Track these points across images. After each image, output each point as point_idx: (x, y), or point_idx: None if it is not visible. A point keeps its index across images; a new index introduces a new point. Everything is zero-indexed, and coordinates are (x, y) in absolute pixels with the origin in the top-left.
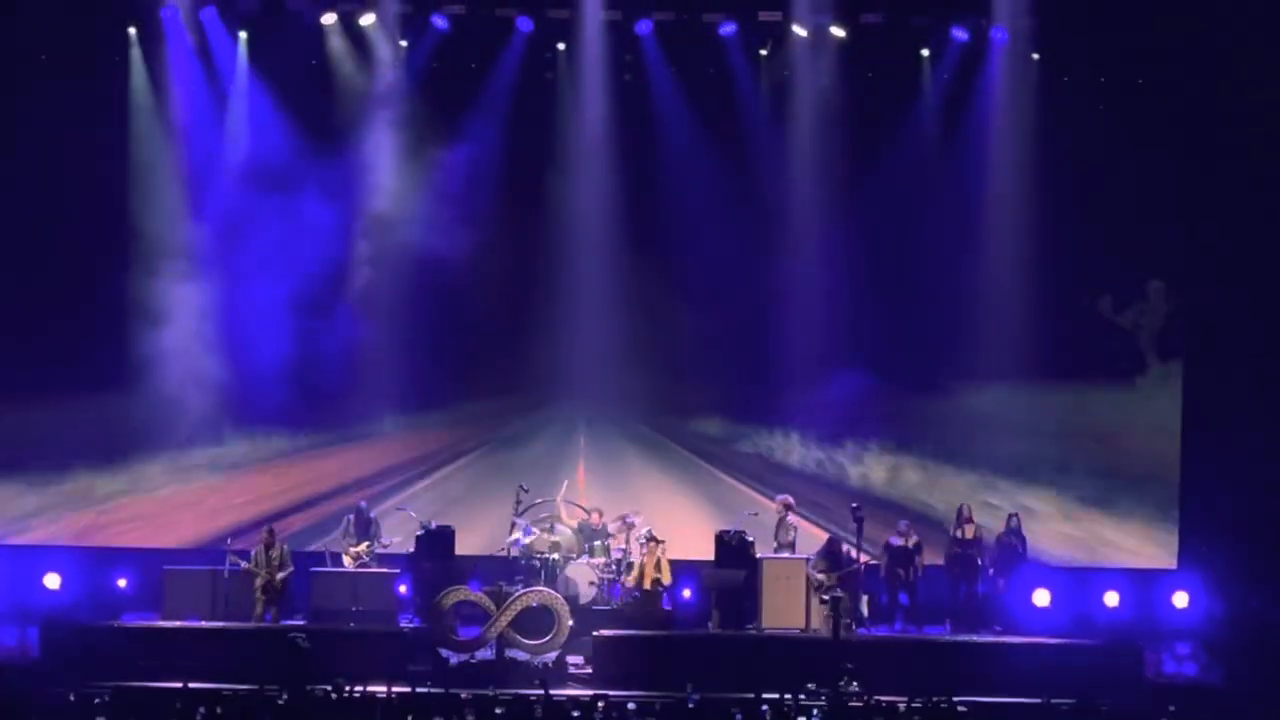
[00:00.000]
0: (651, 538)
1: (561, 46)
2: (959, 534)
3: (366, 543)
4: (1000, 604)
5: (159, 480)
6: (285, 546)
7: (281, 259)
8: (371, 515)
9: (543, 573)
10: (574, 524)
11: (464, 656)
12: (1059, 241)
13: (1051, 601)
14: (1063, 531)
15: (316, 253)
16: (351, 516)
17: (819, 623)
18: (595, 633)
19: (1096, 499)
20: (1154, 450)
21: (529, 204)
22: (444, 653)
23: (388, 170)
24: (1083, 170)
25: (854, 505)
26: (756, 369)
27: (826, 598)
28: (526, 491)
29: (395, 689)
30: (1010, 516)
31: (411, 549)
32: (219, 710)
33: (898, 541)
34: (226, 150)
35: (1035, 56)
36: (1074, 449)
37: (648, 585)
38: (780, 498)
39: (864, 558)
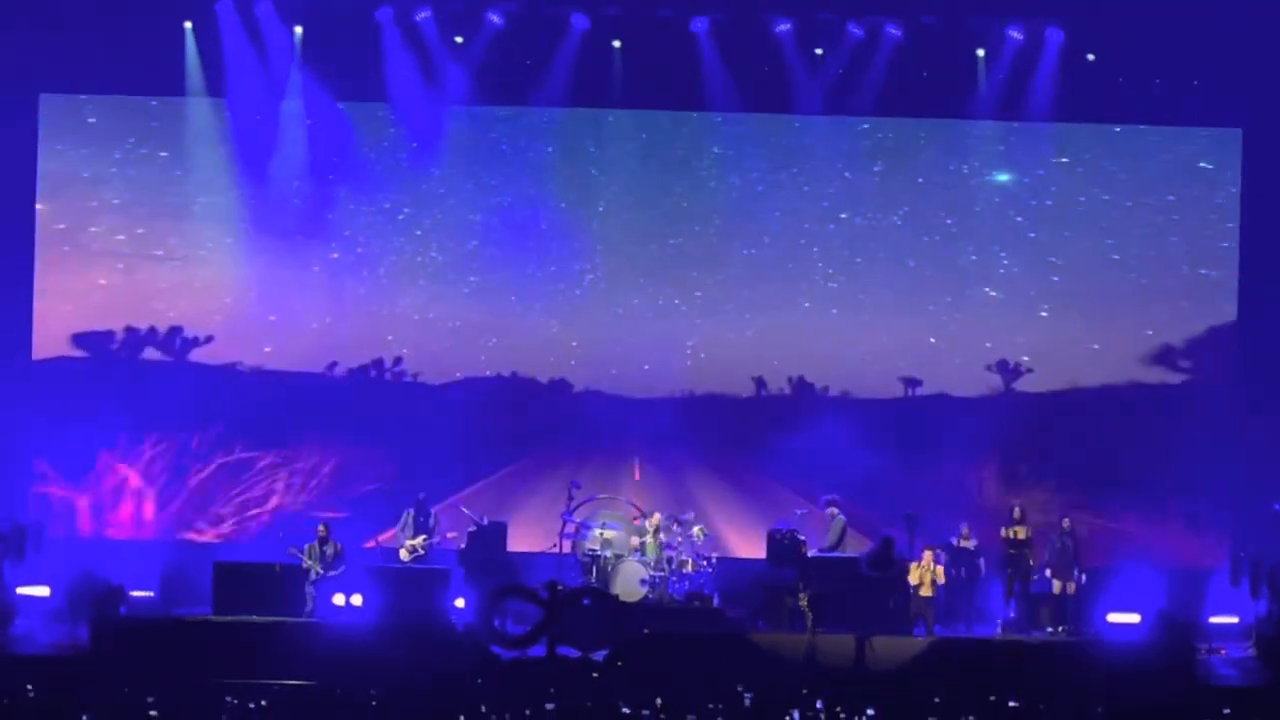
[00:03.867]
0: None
1: (617, 44)
2: (1011, 535)
3: (423, 536)
4: (1053, 605)
5: None
6: (338, 544)
7: (338, 250)
8: (431, 509)
9: (594, 570)
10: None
11: (515, 654)
12: (1112, 241)
13: (1103, 603)
14: (1112, 531)
15: (372, 245)
16: (411, 510)
17: None
18: (645, 631)
19: (1144, 498)
20: (1204, 449)
21: (583, 200)
22: (495, 649)
23: (443, 166)
24: (1135, 170)
25: (907, 513)
26: (807, 366)
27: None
28: (579, 489)
29: (445, 685)
30: (1063, 518)
31: (464, 545)
32: (270, 705)
33: (956, 543)
34: (280, 143)
35: (1091, 57)
36: (1123, 448)
37: (925, 592)
38: (826, 498)
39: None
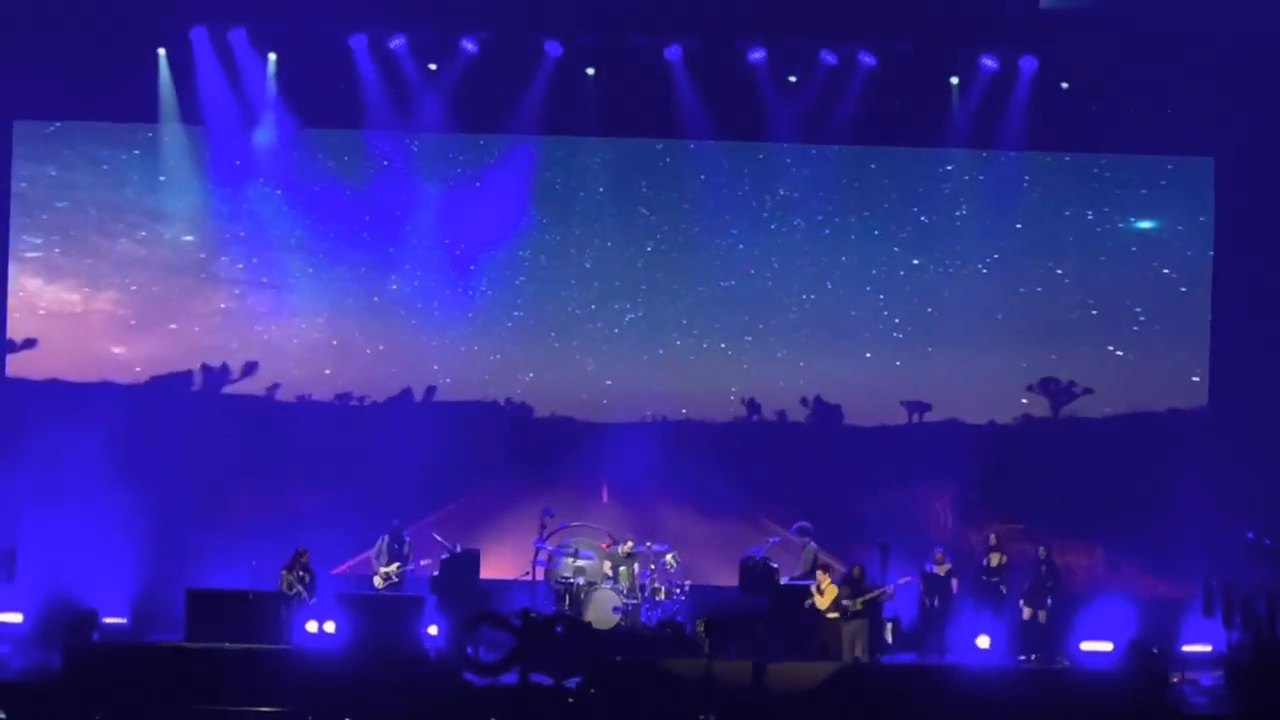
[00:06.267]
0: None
1: (591, 71)
2: (986, 562)
3: (397, 564)
4: (1028, 632)
5: None
6: (314, 571)
7: (312, 278)
8: (405, 536)
9: (567, 597)
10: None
11: (488, 681)
12: (1088, 268)
13: (1076, 631)
14: (1086, 560)
15: (349, 275)
16: (386, 536)
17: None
18: (618, 658)
19: (1117, 527)
20: (1177, 477)
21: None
22: (468, 677)
23: (416, 194)
24: (1110, 198)
25: (880, 542)
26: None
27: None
28: (552, 517)
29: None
30: (1040, 547)
31: (437, 572)
32: None
33: (932, 568)
34: (254, 170)
35: (1065, 85)
36: (1098, 477)
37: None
38: (798, 526)
39: (889, 586)
